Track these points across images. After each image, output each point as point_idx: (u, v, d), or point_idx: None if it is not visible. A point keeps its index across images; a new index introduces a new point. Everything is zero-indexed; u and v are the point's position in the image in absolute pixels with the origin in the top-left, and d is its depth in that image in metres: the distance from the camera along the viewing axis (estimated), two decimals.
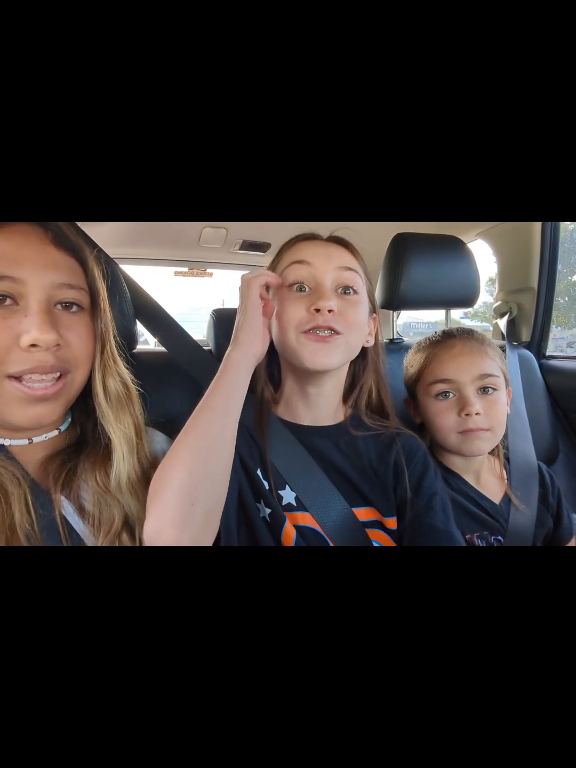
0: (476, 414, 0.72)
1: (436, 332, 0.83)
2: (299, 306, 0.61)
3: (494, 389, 0.75)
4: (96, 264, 0.55)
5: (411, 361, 0.83)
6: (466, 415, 0.73)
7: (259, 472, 0.63)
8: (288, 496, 0.62)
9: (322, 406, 0.67)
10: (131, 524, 0.53)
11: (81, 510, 0.51)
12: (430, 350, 0.79)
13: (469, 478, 0.79)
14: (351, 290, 0.63)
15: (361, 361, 0.70)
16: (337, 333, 0.61)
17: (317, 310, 0.59)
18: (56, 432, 0.54)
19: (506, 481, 0.81)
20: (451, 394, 0.75)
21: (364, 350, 0.69)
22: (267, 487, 0.62)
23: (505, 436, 0.80)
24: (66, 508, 0.51)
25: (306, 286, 0.62)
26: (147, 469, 0.56)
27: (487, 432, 0.74)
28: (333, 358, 0.62)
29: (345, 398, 0.71)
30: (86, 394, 0.55)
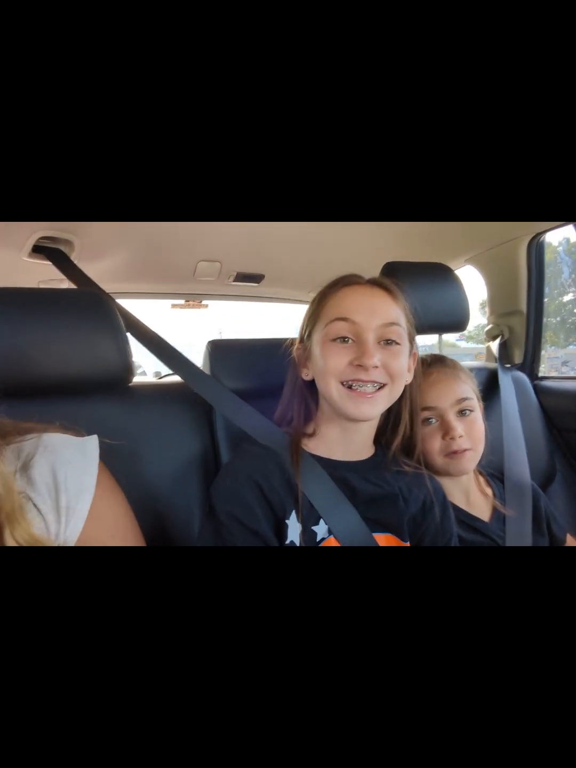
0: (459, 436, 0.76)
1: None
2: (341, 358, 0.62)
3: (471, 410, 0.79)
4: None
5: None
6: (451, 438, 0.76)
7: (293, 514, 0.62)
8: (321, 530, 0.62)
9: (357, 442, 0.69)
10: None
11: None
12: None
13: (459, 500, 0.81)
14: (393, 342, 0.63)
15: (399, 398, 0.70)
16: (382, 387, 0.62)
17: (360, 366, 0.61)
18: None
19: (492, 497, 0.84)
20: (434, 420, 0.78)
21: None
22: (300, 530, 0.61)
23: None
24: None
25: (349, 339, 0.63)
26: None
27: (470, 451, 0.77)
28: (376, 408, 0.64)
29: (380, 432, 0.72)
30: None
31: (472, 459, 0.78)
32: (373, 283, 0.67)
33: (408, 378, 0.69)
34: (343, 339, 0.63)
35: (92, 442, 0.52)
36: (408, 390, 0.70)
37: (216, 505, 0.62)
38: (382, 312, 0.64)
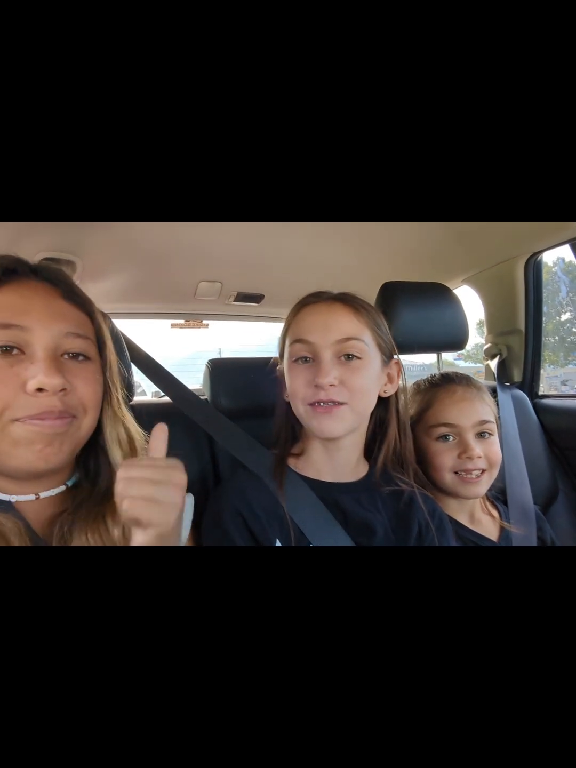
0: (477, 457, 0.75)
1: (434, 375, 0.86)
2: (303, 379, 0.63)
3: (490, 434, 0.79)
4: (102, 317, 0.56)
5: (410, 402, 0.85)
6: (467, 458, 0.76)
7: (277, 543, 0.61)
8: None
9: (342, 460, 0.68)
10: None
11: None
12: (430, 393, 0.82)
13: (463, 519, 0.80)
14: (353, 357, 0.62)
15: (384, 411, 0.70)
16: (340, 404, 0.61)
17: (317, 386, 0.61)
18: (63, 487, 0.53)
19: (499, 517, 0.83)
20: (451, 438, 0.78)
21: (386, 399, 0.69)
22: None
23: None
24: None
25: (308, 359, 0.64)
26: None
27: (485, 474, 0.77)
28: (340, 426, 0.62)
29: (368, 448, 0.71)
30: (94, 452, 0.55)
31: (485, 483, 0.78)
32: (337, 298, 0.66)
33: (389, 390, 0.68)
34: (304, 359, 0.64)
35: (189, 498, 0.59)
36: (394, 402, 0.69)
37: (200, 532, 0.63)
38: (338, 328, 0.63)
